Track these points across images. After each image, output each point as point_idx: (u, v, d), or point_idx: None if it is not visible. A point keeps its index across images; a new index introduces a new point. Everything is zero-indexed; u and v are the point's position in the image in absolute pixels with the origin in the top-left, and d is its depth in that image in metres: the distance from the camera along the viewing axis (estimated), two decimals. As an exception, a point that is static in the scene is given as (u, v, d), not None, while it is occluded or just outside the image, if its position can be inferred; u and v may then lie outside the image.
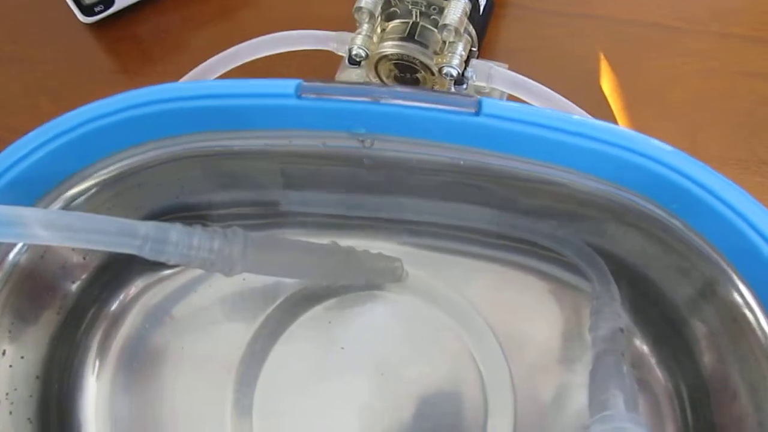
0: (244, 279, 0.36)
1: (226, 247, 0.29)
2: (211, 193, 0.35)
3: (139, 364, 0.35)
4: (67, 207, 0.31)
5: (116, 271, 0.35)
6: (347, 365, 0.34)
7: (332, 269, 0.34)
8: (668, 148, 0.26)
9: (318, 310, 0.36)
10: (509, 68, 0.39)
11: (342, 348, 0.35)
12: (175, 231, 0.28)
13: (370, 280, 0.35)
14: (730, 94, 0.43)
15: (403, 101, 0.28)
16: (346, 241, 0.35)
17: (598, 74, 0.45)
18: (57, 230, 0.24)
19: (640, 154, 0.27)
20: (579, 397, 0.33)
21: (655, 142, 0.27)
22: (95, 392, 0.34)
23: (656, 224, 0.29)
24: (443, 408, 0.33)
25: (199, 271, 0.36)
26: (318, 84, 0.28)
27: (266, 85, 0.28)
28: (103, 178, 0.31)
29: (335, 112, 0.29)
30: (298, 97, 0.28)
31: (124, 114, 0.29)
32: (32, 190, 0.30)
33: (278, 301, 0.36)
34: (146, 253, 0.27)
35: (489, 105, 0.27)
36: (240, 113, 0.29)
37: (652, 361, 0.33)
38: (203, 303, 0.36)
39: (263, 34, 0.39)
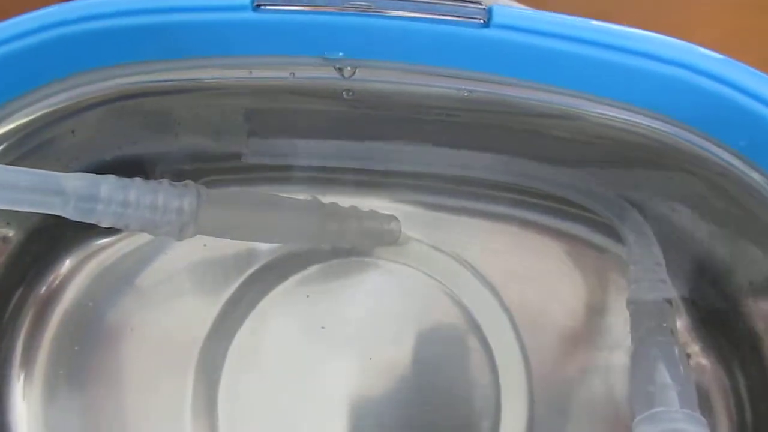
0: (205, 245, 0.31)
1: (174, 202, 0.24)
2: (159, 144, 0.29)
3: (80, 350, 0.30)
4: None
5: (46, 242, 0.29)
6: (329, 348, 0.30)
7: (312, 230, 0.29)
8: (739, 64, 0.21)
9: (294, 281, 0.31)
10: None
11: (323, 327, 0.30)
12: (106, 184, 0.23)
13: (359, 243, 0.30)
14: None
15: (391, 11, 0.22)
16: (330, 199, 0.30)
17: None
18: None
19: (699, 72, 0.21)
20: (607, 381, 0.29)
21: (718, 55, 0.21)
22: (23, 390, 0.29)
23: (714, 169, 0.24)
24: (445, 398, 0.29)
25: (148, 236, 0.30)
26: (281, -8, 0.22)
27: (216, -4, 0.22)
28: (21, 122, 0.26)
29: (304, 30, 0.23)
30: (255, 8, 0.22)
31: (36, 37, 0.23)
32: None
33: (247, 272, 0.31)
34: (70, 213, 0.22)
35: (501, 14, 0.21)
36: (183, 34, 0.23)
37: (700, 346, 0.28)
38: (157, 275, 0.31)
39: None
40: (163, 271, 0.31)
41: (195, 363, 0.30)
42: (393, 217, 0.30)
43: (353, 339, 0.30)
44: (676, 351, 0.23)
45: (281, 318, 0.30)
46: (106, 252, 0.30)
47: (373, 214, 0.30)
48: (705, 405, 0.27)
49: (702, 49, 0.22)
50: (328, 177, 0.30)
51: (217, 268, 0.31)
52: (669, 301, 0.25)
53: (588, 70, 0.22)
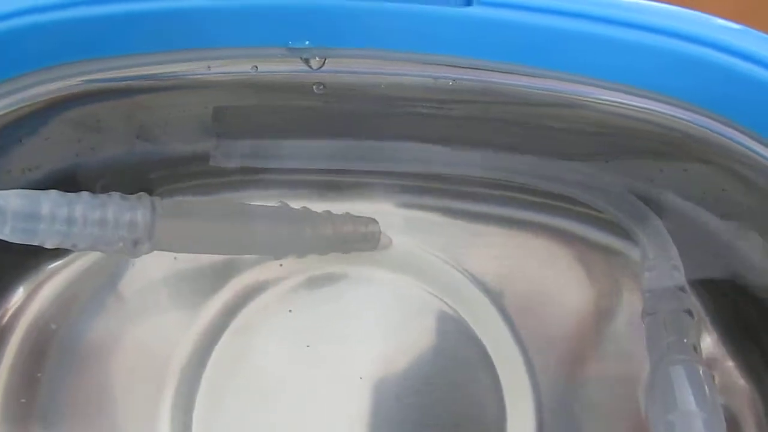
0: (176, 258, 0.28)
1: (125, 215, 0.22)
2: (120, 149, 0.27)
3: (44, 376, 0.28)
4: None
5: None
6: (314, 368, 0.28)
7: (282, 239, 0.27)
8: (761, 35, 0.19)
9: (274, 295, 0.28)
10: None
11: (307, 346, 0.28)
12: (48, 200, 0.21)
13: (336, 250, 0.28)
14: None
15: None
16: (306, 204, 0.27)
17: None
18: None
19: (715, 46, 0.19)
20: (619, 394, 0.27)
21: (737, 26, 0.19)
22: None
23: (735, 158, 0.21)
24: (445, 418, 0.27)
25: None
26: (234, -26, 0.20)
27: (159, -19, 0.20)
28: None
29: (263, 16, 0.20)
30: None
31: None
32: None
33: (223, 287, 0.28)
34: (7, 235, 0.20)
35: None
36: (128, 26, 0.21)
37: (731, 364, 0.25)
38: (125, 293, 0.29)
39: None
40: (131, 288, 0.29)
41: (169, 386, 0.28)
42: (371, 220, 0.28)
43: (341, 358, 0.28)
44: (701, 371, 0.20)
45: (261, 337, 0.28)
46: (64, 273, 0.28)
47: (349, 218, 0.28)
48: (734, 430, 0.24)
49: (718, 20, 0.19)
50: (304, 179, 0.28)
51: (190, 282, 0.29)
52: (690, 312, 0.22)
53: (588, 50, 0.20)
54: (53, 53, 0.22)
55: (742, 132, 0.21)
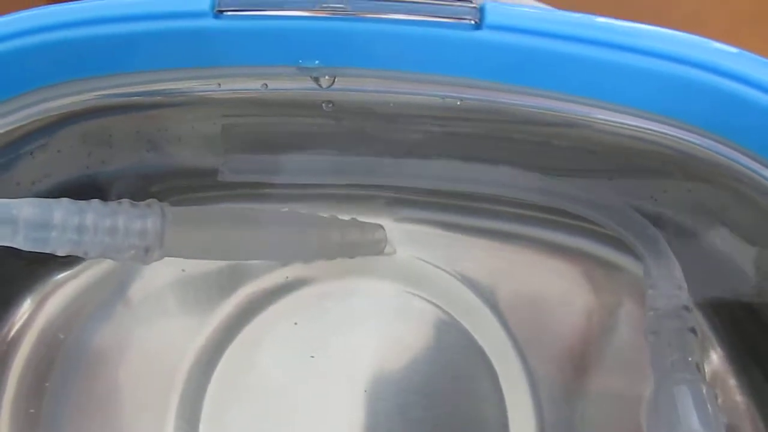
0: (183, 270, 0.29)
1: (136, 223, 0.23)
2: (130, 163, 0.27)
3: (51, 386, 0.27)
4: None
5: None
6: (319, 379, 0.28)
7: (291, 244, 0.27)
8: (757, 58, 0.19)
9: (279, 306, 0.28)
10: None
11: (312, 357, 0.28)
12: (60, 209, 0.21)
13: (343, 254, 0.28)
14: None
15: (372, 14, 0.20)
16: None
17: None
18: None
19: (714, 70, 0.19)
20: (623, 412, 0.27)
21: (734, 50, 0.19)
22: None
23: (736, 177, 0.21)
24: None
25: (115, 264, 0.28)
26: (244, -5, 0.20)
27: (170, 3, 0.20)
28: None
29: (273, 37, 0.21)
30: (216, 15, 0.20)
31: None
32: None
33: (229, 298, 0.28)
34: (20, 243, 0.21)
35: (496, 12, 0.19)
36: (142, 44, 0.21)
37: (735, 382, 0.25)
38: (132, 303, 0.29)
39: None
40: (138, 298, 0.29)
41: (175, 396, 0.27)
42: (378, 226, 0.28)
43: (346, 370, 0.28)
44: (704, 390, 0.20)
45: (266, 347, 0.28)
46: (72, 283, 0.28)
47: (356, 223, 0.28)
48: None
49: (716, 44, 0.19)
50: (312, 193, 0.28)
51: (197, 293, 0.29)
52: (693, 330, 0.22)
53: (592, 74, 0.20)
54: (65, 70, 0.22)
55: (744, 153, 0.21)
